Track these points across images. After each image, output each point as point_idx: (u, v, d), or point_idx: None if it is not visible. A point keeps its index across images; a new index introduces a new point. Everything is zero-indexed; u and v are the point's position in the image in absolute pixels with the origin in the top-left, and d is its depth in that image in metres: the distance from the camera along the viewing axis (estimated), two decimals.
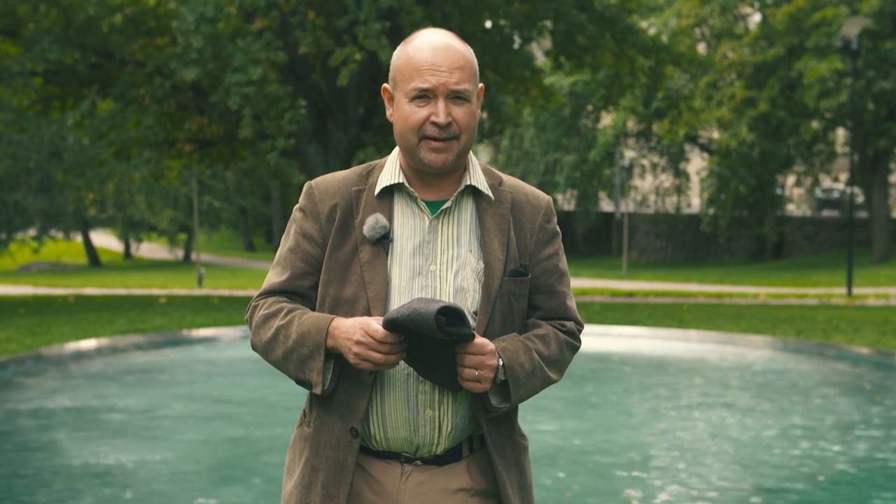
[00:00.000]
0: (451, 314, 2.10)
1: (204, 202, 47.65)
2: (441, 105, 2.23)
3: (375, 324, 2.15)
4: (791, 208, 43.69)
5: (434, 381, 2.22)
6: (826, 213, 42.51)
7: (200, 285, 29.57)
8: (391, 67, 2.32)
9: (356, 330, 2.16)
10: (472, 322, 2.28)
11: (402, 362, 2.26)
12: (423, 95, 2.24)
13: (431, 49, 2.25)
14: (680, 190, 44.57)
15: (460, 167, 2.34)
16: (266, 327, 2.31)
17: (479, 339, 2.18)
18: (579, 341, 2.42)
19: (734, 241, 42.59)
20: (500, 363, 2.22)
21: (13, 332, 13.08)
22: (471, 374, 2.17)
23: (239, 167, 31.33)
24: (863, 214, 37.24)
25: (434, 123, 2.23)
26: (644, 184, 48.31)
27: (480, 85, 2.34)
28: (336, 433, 2.28)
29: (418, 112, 2.24)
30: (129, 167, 20.55)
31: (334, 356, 2.24)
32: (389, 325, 2.12)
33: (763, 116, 34.48)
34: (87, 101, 18.78)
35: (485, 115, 22.69)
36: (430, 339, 2.13)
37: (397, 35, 17.47)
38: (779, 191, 41.35)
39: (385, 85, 2.36)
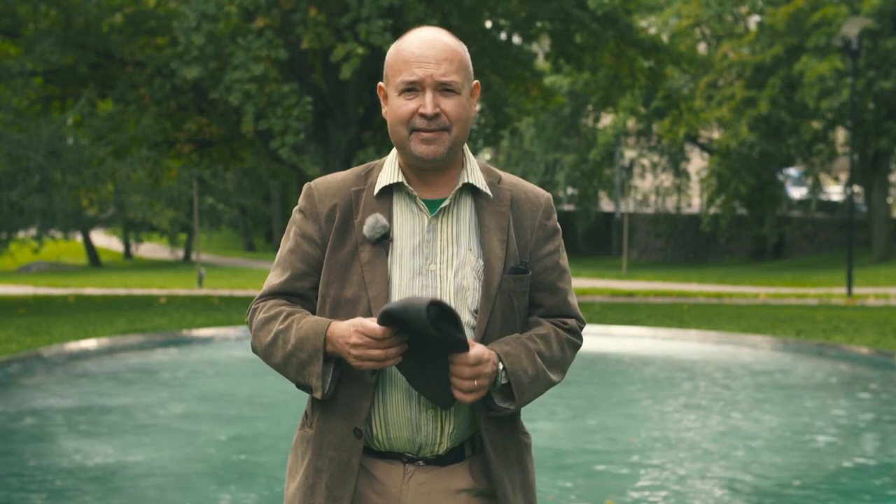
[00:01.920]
0: (444, 312, 2.09)
1: (205, 203, 47.63)
2: (429, 96, 2.23)
3: (370, 322, 2.14)
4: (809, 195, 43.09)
5: (424, 392, 2.20)
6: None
7: (200, 285, 29.55)
8: (385, 65, 2.33)
9: (351, 333, 2.16)
10: (470, 324, 2.27)
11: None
12: (412, 88, 2.24)
13: (419, 42, 2.26)
14: (680, 190, 44.54)
15: (457, 164, 2.34)
16: (265, 331, 2.31)
17: (474, 351, 2.16)
18: (581, 339, 2.41)
19: (734, 241, 42.55)
20: (501, 367, 2.21)
21: (13, 332, 13.07)
22: (469, 386, 2.16)
23: (239, 167, 31.32)
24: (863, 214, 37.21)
25: (422, 115, 2.23)
26: (644, 183, 48.30)
27: (475, 81, 2.33)
28: (339, 434, 2.28)
29: (407, 105, 2.25)
30: (126, 165, 20.50)
31: (334, 360, 2.24)
32: (384, 317, 2.12)
33: (763, 116, 34.47)
34: (83, 100, 18.75)
35: (483, 120, 22.67)
36: (423, 344, 2.12)
37: (401, 33, 17.48)
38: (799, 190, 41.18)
39: (380, 83, 2.36)
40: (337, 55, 17.05)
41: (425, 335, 2.10)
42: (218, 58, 17.78)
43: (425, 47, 2.24)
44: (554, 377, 2.33)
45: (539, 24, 21.10)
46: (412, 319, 2.08)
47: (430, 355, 2.15)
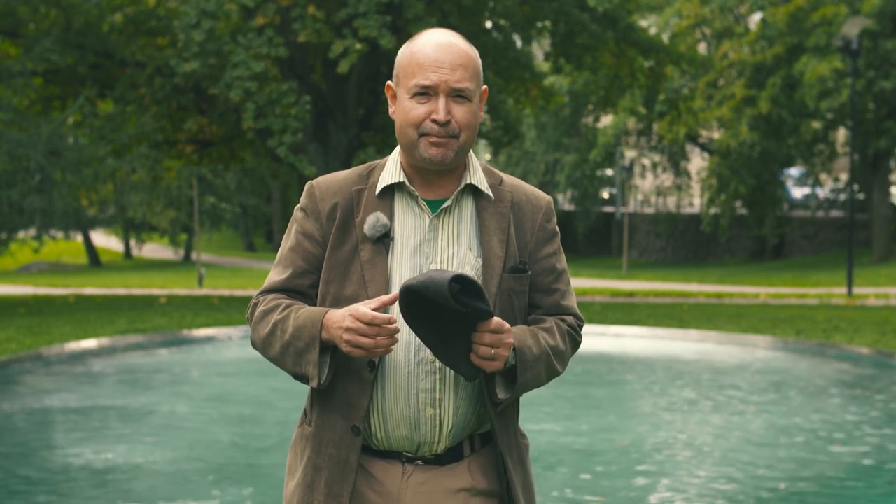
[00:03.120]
0: (467, 285, 2.09)
1: (207, 202, 47.60)
2: (441, 102, 2.23)
3: (364, 308, 2.14)
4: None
5: (446, 362, 2.19)
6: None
7: (200, 285, 29.52)
8: (395, 64, 2.33)
9: (345, 317, 2.16)
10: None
11: (404, 357, 2.25)
12: (425, 92, 2.24)
13: (435, 46, 2.25)
14: (680, 189, 44.54)
15: (460, 166, 2.35)
16: (264, 322, 2.32)
17: (498, 318, 2.18)
18: (580, 336, 2.43)
19: (734, 241, 42.54)
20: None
21: (13, 332, 13.07)
22: (487, 352, 2.16)
23: (239, 167, 31.32)
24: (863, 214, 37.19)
25: (434, 121, 2.24)
26: (644, 183, 48.29)
27: (484, 87, 2.34)
28: (338, 431, 2.28)
29: (418, 108, 2.25)
30: (125, 163, 20.49)
31: (331, 349, 2.24)
32: (405, 292, 2.11)
33: (763, 116, 34.46)
34: (81, 99, 18.75)
35: (488, 122, 22.66)
36: (447, 315, 2.12)
37: (399, 30, 17.49)
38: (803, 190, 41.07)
39: (389, 82, 2.37)
40: (335, 51, 17.07)
41: (449, 309, 2.10)
42: (217, 55, 17.79)
43: (441, 52, 2.24)
44: (556, 365, 2.34)
45: (539, 25, 21.08)
46: (434, 295, 2.07)
47: (451, 328, 2.15)
